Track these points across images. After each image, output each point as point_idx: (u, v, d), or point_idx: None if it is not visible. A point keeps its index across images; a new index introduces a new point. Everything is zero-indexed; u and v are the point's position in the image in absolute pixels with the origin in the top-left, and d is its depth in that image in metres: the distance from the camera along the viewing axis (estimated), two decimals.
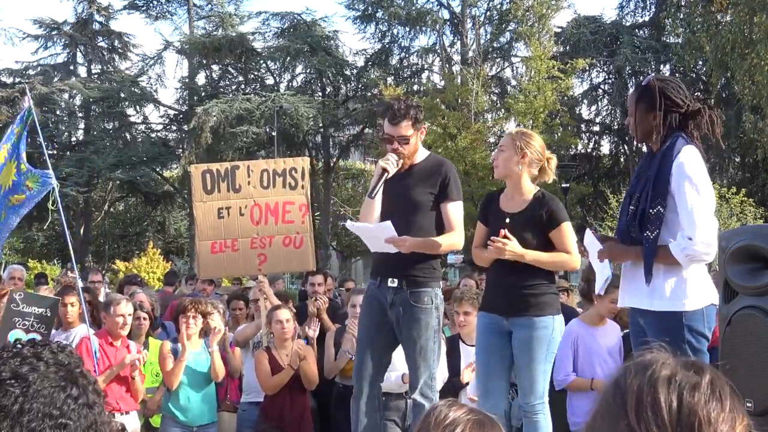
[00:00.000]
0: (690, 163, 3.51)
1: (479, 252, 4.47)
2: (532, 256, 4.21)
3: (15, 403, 1.33)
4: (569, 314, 5.86)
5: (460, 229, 4.49)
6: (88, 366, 5.17)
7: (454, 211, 4.47)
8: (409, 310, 4.35)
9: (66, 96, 31.91)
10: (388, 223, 4.29)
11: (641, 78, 4.29)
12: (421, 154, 4.55)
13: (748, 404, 3.30)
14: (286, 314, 5.84)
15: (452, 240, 4.48)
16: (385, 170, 4.35)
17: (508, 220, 4.31)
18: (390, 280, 4.39)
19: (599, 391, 1.21)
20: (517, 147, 4.30)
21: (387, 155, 4.41)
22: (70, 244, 6.36)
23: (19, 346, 1.43)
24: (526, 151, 4.31)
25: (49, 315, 5.17)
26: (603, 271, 3.96)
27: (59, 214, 5.76)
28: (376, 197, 4.45)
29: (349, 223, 4.39)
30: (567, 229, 4.33)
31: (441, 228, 4.45)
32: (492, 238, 4.21)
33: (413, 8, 29.88)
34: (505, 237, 4.16)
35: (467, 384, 5.37)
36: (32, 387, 1.35)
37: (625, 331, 5.23)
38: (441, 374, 5.31)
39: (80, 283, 5.91)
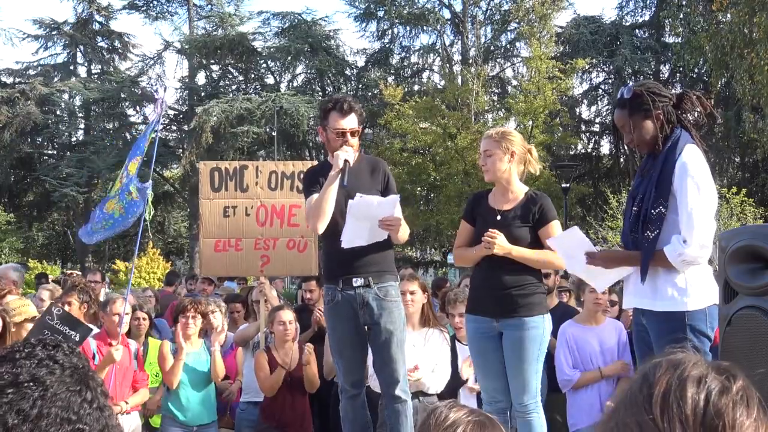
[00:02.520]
0: (693, 162, 3.51)
1: (463, 251, 4.46)
2: (519, 252, 4.22)
3: (33, 406, 1.32)
4: (572, 314, 5.86)
5: (403, 219, 4.50)
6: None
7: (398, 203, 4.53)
8: (382, 305, 4.35)
9: (66, 96, 31.89)
10: (395, 197, 4.30)
11: (620, 94, 4.26)
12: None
13: None
14: (288, 315, 5.84)
15: (407, 229, 4.51)
16: (347, 161, 4.31)
17: (499, 217, 4.32)
18: (354, 280, 4.34)
19: (623, 383, 1.20)
20: (504, 148, 4.31)
21: (343, 147, 4.36)
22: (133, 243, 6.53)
23: (30, 346, 1.42)
24: (513, 150, 4.33)
25: (77, 340, 5.08)
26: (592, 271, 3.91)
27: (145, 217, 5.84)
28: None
29: (357, 197, 4.20)
30: (556, 227, 4.33)
31: None
32: (487, 232, 4.21)
33: (414, 7, 29.87)
34: (491, 234, 4.17)
35: (466, 380, 5.37)
36: (50, 390, 1.34)
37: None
38: (444, 371, 5.31)
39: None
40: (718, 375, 1.11)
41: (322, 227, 4.35)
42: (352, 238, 4.28)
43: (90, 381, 1.40)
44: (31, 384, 1.34)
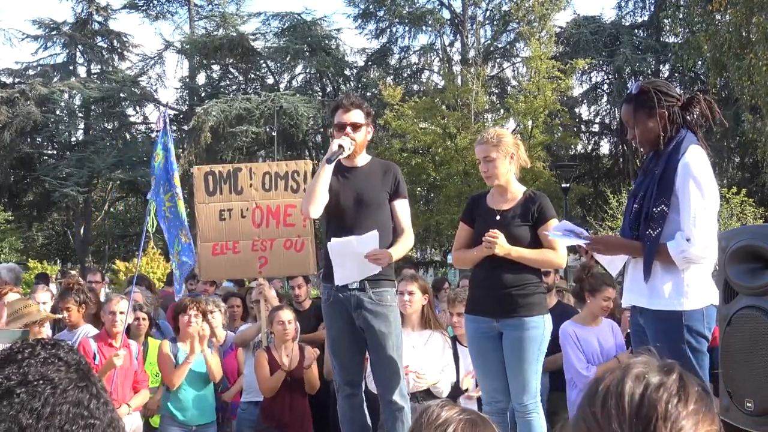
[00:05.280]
0: (696, 163, 3.51)
1: (462, 253, 4.46)
2: (518, 252, 4.23)
3: (46, 404, 1.32)
4: (570, 314, 5.86)
5: (410, 226, 4.53)
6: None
7: (407, 208, 4.55)
8: (377, 310, 4.35)
9: (66, 96, 31.89)
10: (374, 233, 4.27)
11: (629, 89, 4.23)
12: (366, 158, 4.57)
13: (748, 404, 3.30)
14: (287, 315, 5.84)
15: (411, 240, 4.52)
16: (341, 147, 4.33)
17: (498, 217, 4.33)
18: (350, 283, 4.36)
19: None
20: (504, 152, 4.33)
21: (342, 137, 4.39)
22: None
23: (29, 346, 1.42)
24: (512, 152, 4.35)
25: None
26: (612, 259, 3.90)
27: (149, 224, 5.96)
28: (325, 190, 4.37)
29: (333, 240, 4.29)
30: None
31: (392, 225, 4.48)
32: (488, 233, 4.22)
33: (414, 8, 29.88)
34: (493, 234, 4.18)
35: (466, 390, 5.36)
36: (59, 387, 1.35)
37: (627, 331, 5.22)
38: (450, 375, 5.29)
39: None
40: (658, 371, 1.16)
41: (313, 211, 4.38)
42: (342, 276, 4.33)
43: (92, 377, 1.42)
44: (41, 382, 1.35)
